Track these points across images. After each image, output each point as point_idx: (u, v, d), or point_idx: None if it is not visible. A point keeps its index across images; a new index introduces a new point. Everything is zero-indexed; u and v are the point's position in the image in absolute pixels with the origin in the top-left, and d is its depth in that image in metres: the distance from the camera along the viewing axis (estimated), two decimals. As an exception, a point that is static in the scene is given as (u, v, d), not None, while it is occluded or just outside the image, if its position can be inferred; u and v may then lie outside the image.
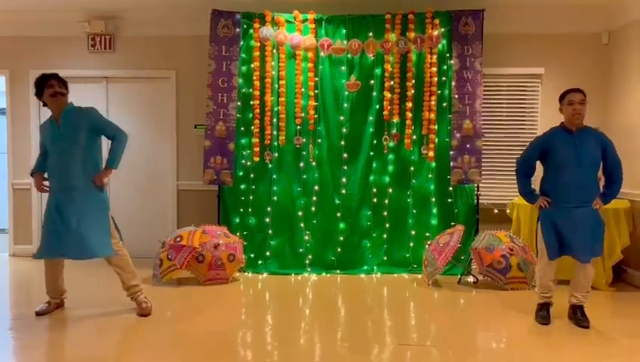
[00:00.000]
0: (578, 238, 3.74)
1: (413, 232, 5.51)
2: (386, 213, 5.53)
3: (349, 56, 5.49)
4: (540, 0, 5.56)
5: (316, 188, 5.55)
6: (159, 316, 4.03)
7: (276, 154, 5.56)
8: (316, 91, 5.52)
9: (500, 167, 5.80)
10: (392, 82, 5.45)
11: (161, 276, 4.90)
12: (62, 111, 3.90)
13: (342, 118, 5.52)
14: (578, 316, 3.85)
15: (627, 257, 5.00)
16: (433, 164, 5.49)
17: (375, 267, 5.49)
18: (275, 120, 5.52)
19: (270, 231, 5.54)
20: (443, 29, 5.39)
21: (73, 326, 3.83)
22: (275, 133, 5.54)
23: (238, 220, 5.56)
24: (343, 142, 5.53)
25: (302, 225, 5.55)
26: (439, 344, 3.51)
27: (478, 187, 5.48)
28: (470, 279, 5.16)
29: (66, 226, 3.78)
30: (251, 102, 5.51)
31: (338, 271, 5.45)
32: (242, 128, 5.52)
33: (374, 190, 5.55)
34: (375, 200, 5.55)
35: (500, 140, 5.83)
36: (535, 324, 3.89)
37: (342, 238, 5.53)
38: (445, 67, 5.44)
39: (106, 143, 4.18)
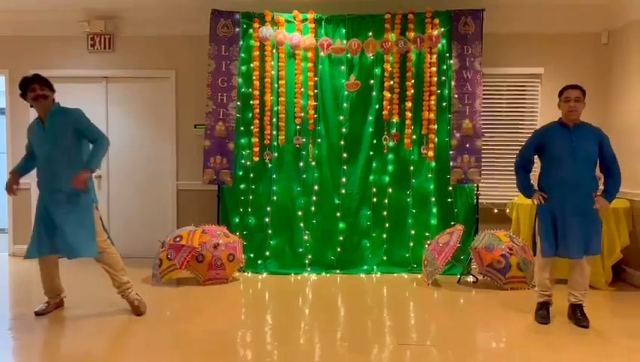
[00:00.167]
0: (572, 232, 3.73)
1: (412, 232, 5.51)
2: (385, 213, 5.53)
3: (348, 55, 5.49)
4: (540, 0, 5.56)
5: (316, 187, 5.55)
6: (159, 316, 4.03)
7: (276, 154, 5.56)
8: (316, 91, 5.52)
9: (499, 167, 5.80)
10: (391, 82, 5.45)
11: (160, 276, 4.90)
12: (48, 113, 3.89)
13: (341, 117, 5.52)
14: (578, 315, 3.85)
15: (627, 257, 5.00)
16: (433, 164, 5.49)
17: (375, 267, 5.49)
18: (274, 120, 5.52)
19: (270, 231, 5.54)
20: (443, 29, 5.39)
21: (72, 326, 3.82)
22: (274, 132, 5.53)
23: (237, 220, 5.55)
24: (342, 142, 5.53)
25: (301, 224, 5.55)
26: (439, 343, 3.51)
27: (477, 187, 5.48)
28: (470, 279, 5.16)
29: (52, 226, 3.81)
30: (251, 102, 5.51)
31: (338, 271, 5.45)
32: (242, 128, 5.52)
33: (374, 190, 5.55)
34: (375, 199, 5.55)
35: (500, 140, 5.83)
36: (535, 324, 3.89)
37: (341, 238, 5.53)
38: (445, 67, 5.44)
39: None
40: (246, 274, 5.38)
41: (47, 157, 3.87)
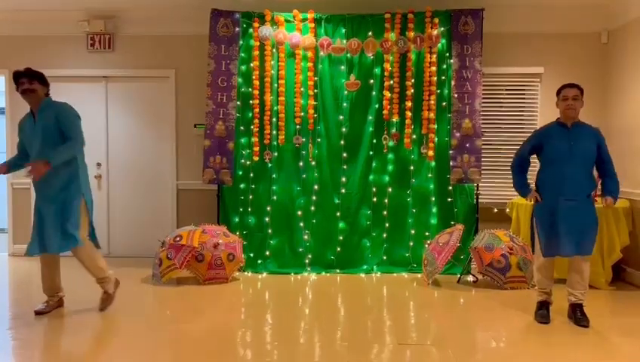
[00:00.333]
0: (567, 230, 3.72)
1: (412, 231, 5.51)
2: (385, 213, 5.52)
3: (348, 55, 5.49)
4: (540, 0, 5.56)
5: (316, 187, 5.54)
6: (159, 316, 4.03)
7: (276, 154, 5.56)
8: (316, 91, 5.52)
9: (499, 167, 5.79)
10: (391, 81, 5.45)
11: (160, 275, 4.89)
12: (39, 106, 3.88)
13: (341, 117, 5.52)
14: (578, 315, 3.84)
15: (627, 256, 5.00)
16: (433, 164, 5.49)
17: (375, 266, 5.49)
18: (274, 119, 5.52)
19: (270, 231, 5.54)
20: (442, 29, 5.39)
21: (72, 326, 3.82)
22: (274, 132, 5.53)
23: (237, 220, 5.55)
24: (342, 142, 5.52)
25: (301, 224, 5.54)
26: (439, 343, 3.50)
27: (477, 186, 5.48)
28: (470, 278, 5.16)
29: (42, 222, 3.84)
30: (251, 102, 5.50)
31: (338, 271, 5.45)
32: (242, 127, 5.52)
33: (374, 189, 5.55)
34: (375, 199, 5.54)
35: (500, 139, 5.83)
36: (535, 323, 3.89)
37: (341, 238, 5.53)
38: (445, 66, 5.44)
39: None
40: (246, 273, 5.38)
41: (38, 151, 3.85)
